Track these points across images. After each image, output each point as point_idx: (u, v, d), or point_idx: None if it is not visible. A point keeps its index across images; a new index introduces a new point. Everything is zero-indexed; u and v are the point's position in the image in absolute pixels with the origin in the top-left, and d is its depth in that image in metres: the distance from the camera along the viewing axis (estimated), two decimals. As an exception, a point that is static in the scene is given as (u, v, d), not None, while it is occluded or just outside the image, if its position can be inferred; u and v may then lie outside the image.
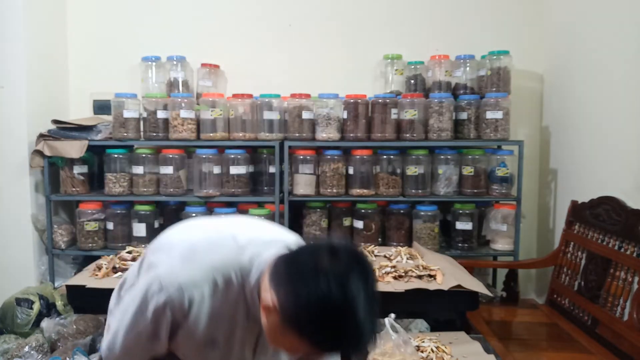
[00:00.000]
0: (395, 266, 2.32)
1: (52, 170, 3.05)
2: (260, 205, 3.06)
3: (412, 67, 3.22)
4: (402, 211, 3.04)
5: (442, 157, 3.01)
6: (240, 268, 1.10)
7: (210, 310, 1.11)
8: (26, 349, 2.40)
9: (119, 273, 2.31)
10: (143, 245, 2.87)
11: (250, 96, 3.04)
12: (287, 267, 1.01)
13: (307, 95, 3.00)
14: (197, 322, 1.11)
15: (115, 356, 1.19)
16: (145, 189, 3.03)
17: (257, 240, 1.15)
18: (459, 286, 2.10)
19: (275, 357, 1.27)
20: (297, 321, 0.98)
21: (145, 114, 3.07)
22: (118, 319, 1.19)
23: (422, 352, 1.80)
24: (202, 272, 1.09)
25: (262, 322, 1.06)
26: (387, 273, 2.24)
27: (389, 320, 1.64)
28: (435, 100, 2.95)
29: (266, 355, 1.24)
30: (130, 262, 2.42)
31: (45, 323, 2.55)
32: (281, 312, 0.99)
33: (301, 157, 3.01)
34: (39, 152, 2.98)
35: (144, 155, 3.04)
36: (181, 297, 1.08)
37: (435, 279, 2.20)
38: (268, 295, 1.02)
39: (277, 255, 1.06)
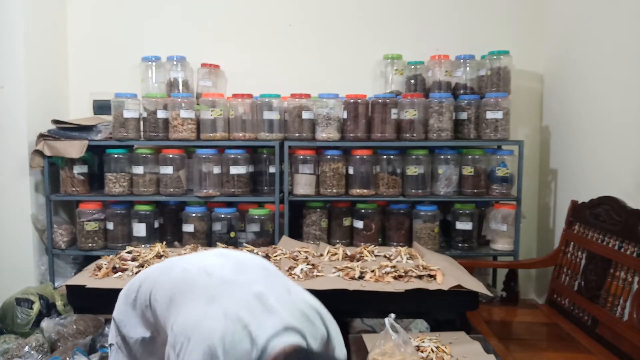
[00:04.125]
0: (395, 266, 2.31)
1: (52, 170, 3.05)
2: (260, 205, 3.06)
3: (412, 67, 3.22)
4: (402, 211, 3.04)
5: (442, 157, 3.01)
6: None
7: None
8: (26, 349, 2.41)
9: (119, 273, 2.31)
10: (143, 245, 2.87)
11: (250, 96, 3.04)
12: None
13: (307, 95, 3.01)
14: None
15: None
16: (145, 189, 3.03)
17: (267, 330, 1.15)
18: (459, 286, 2.10)
19: None
20: None
21: (145, 114, 3.07)
22: None
23: (422, 352, 1.80)
24: None
25: None
26: (387, 273, 2.24)
27: (389, 320, 1.64)
28: (435, 100, 2.95)
29: None
30: (130, 262, 2.42)
31: (45, 323, 2.55)
32: None
33: (301, 157, 3.01)
34: (39, 152, 2.98)
35: (144, 155, 3.04)
36: None
37: (435, 279, 2.20)
38: None
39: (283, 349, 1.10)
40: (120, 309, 1.47)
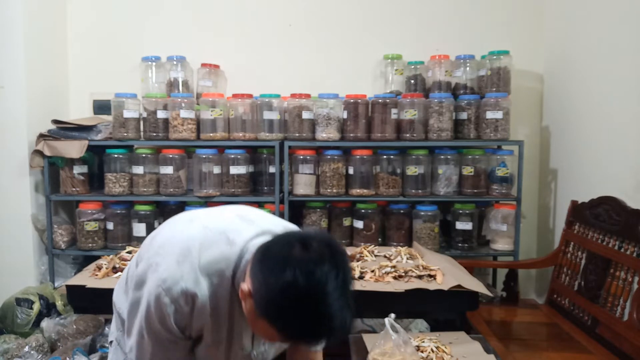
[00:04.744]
0: (395, 266, 2.31)
1: (52, 170, 3.05)
2: (260, 205, 3.06)
3: (412, 67, 3.22)
4: (402, 211, 3.04)
5: (442, 157, 3.01)
6: (231, 263, 1.14)
7: (210, 307, 1.14)
8: (26, 349, 2.41)
9: (119, 273, 2.31)
10: (143, 245, 2.87)
11: (250, 96, 3.04)
12: (261, 256, 1.05)
13: (307, 95, 3.00)
14: (200, 320, 1.15)
15: None
16: (145, 189, 3.03)
17: (246, 235, 1.18)
18: (459, 286, 2.10)
19: (272, 343, 1.30)
20: (266, 309, 1.01)
21: (145, 114, 3.07)
22: (137, 329, 1.21)
23: (422, 352, 1.80)
24: (198, 270, 1.13)
25: (244, 309, 1.10)
26: (387, 273, 2.24)
27: (389, 320, 1.63)
28: (435, 100, 2.95)
29: (265, 340, 1.28)
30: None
31: (45, 323, 2.55)
32: (254, 300, 1.04)
33: (301, 157, 3.01)
34: (39, 152, 2.98)
35: (144, 155, 3.04)
36: (184, 296, 1.11)
37: (435, 279, 2.19)
38: (246, 283, 1.07)
39: (259, 245, 1.10)
40: (117, 290, 1.48)
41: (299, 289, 0.97)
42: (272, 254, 1.04)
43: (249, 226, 1.20)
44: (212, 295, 1.14)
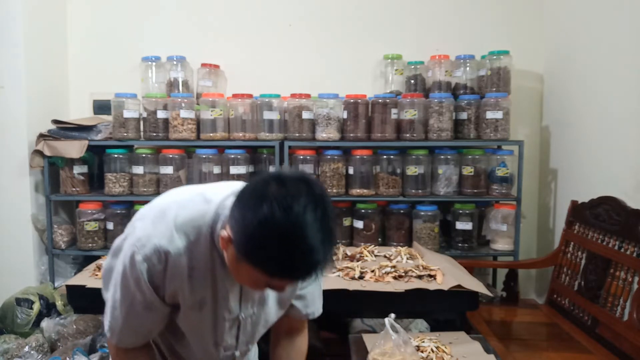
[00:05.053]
0: (395, 266, 2.31)
1: (52, 170, 3.05)
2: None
3: (412, 67, 3.22)
4: (402, 211, 3.04)
5: (442, 157, 3.01)
6: (208, 220, 1.13)
7: (187, 267, 1.13)
8: (26, 349, 2.41)
9: (119, 273, 2.31)
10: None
11: (250, 96, 3.04)
12: (238, 199, 1.04)
13: (307, 95, 3.00)
14: (175, 280, 1.13)
15: (118, 334, 1.20)
16: (145, 189, 3.03)
17: (225, 192, 1.16)
18: (459, 286, 2.10)
19: (261, 305, 1.28)
20: (245, 248, 0.99)
21: (145, 114, 3.07)
22: (111, 294, 1.20)
23: (422, 352, 1.80)
24: (173, 228, 1.12)
25: (226, 260, 1.09)
26: (387, 273, 2.24)
27: (389, 320, 1.63)
28: (435, 100, 2.95)
29: (253, 302, 1.26)
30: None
31: (45, 323, 2.56)
32: (233, 242, 1.02)
33: (301, 157, 3.01)
34: (39, 152, 2.98)
35: (144, 155, 3.04)
36: (157, 253, 1.10)
37: (435, 279, 2.19)
38: (225, 230, 1.06)
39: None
40: None
41: (277, 222, 0.95)
42: (248, 193, 1.02)
43: (228, 187, 1.19)
44: (189, 253, 1.12)
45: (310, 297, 1.38)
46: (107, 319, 1.21)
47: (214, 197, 1.15)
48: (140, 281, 1.12)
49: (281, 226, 0.95)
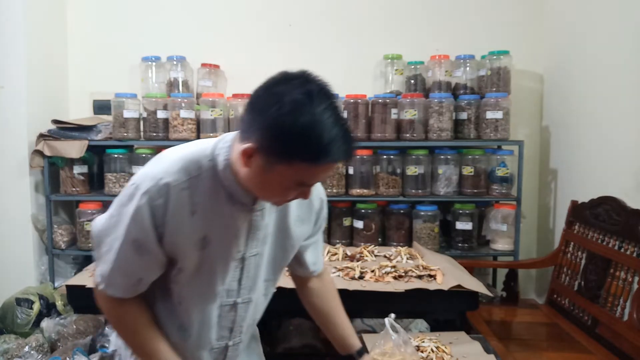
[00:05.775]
0: (395, 266, 2.31)
1: (52, 170, 3.05)
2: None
3: (412, 67, 3.22)
4: (402, 211, 3.04)
5: (442, 157, 3.01)
6: (208, 154, 1.14)
7: (190, 203, 1.11)
8: (26, 349, 2.41)
9: (119, 273, 2.31)
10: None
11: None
12: (252, 110, 1.05)
13: (307, 95, 3.00)
14: (177, 217, 1.11)
15: (107, 278, 1.16)
16: (145, 189, 3.02)
17: (215, 138, 1.19)
18: (459, 286, 2.10)
19: (263, 242, 1.26)
20: (282, 144, 0.99)
21: (145, 114, 3.07)
22: (109, 240, 1.15)
23: (422, 352, 1.80)
24: (172, 162, 1.13)
25: (248, 178, 1.08)
26: (387, 273, 2.24)
27: (389, 320, 1.63)
28: (435, 100, 2.95)
29: (257, 242, 1.24)
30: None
31: (45, 323, 2.55)
32: (261, 149, 1.02)
33: (301, 157, 3.00)
34: (39, 152, 2.98)
35: (144, 155, 3.04)
36: (157, 186, 1.10)
37: (435, 279, 2.19)
38: (242, 146, 1.04)
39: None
40: None
41: (308, 105, 0.97)
42: (262, 100, 1.04)
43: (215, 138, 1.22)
44: (191, 188, 1.11)
45: (320, 246, 1.45)
46: (98, 266, 1.18)
47: (207, 140, 1.19)
48: (137, 215, 1.09)
49: (313, 106, 0.98)
